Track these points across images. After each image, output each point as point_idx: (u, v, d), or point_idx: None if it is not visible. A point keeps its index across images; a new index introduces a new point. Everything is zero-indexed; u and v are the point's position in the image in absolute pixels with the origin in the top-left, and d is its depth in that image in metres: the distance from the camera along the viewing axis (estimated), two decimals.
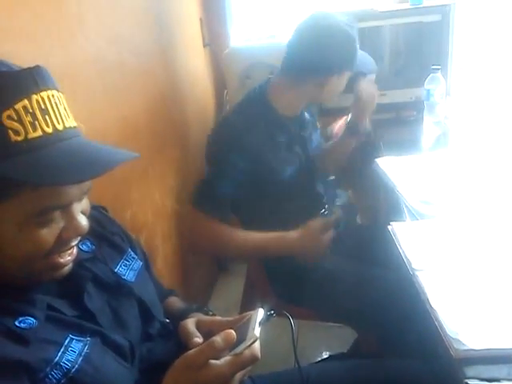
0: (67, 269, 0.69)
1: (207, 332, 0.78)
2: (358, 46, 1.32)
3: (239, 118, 1.36)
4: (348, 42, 1.30)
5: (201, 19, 2.40)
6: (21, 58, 0.66)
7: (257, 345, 0.66)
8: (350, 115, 1.51)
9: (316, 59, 1.29)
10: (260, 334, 0.68)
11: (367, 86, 1.42)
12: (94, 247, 0.80)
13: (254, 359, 0.65)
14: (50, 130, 0.60)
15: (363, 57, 1.40)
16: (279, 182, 1.36)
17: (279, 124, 1.37)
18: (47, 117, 0.60)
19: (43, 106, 0.60)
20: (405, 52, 2.00)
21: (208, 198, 1.31)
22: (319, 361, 1.58)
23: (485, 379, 0.68)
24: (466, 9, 2.02)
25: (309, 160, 1.47)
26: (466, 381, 0.68)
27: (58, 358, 0.63)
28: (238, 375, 0.65)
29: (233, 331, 0.66)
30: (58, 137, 0.61)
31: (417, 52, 1.97)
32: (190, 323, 0.83)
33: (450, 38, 1.89)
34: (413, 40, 1.97)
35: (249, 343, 0.65)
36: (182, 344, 0.79)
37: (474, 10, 2.02)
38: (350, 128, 1.50)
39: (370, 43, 1.97)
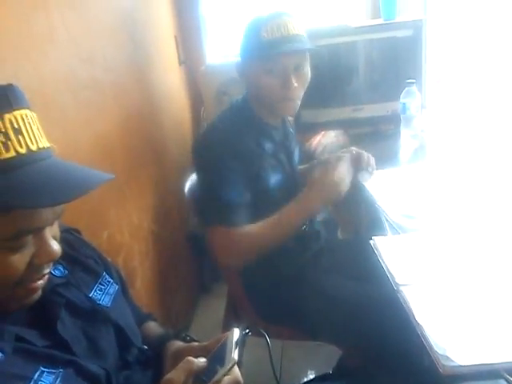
0: (37, 295, 0.66)
1: None
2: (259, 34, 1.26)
3: (227, 124, 1.33)
4: (246, 30, 1.33)
5: (175, 37, 2.39)
6: None
7: (237, 368, 0.64)
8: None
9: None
10: (238, 355, 0.65)
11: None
12: (66, 272, 0.77)
13: (236, 383, 0.63)
14: (23, 150, 0.58)
15: None
16: (266, 189, 1.33)
17: (265, 131, 1.37)
18: (20, 137, 0.58)
19: (16, 126, 0.58)
20: (380, 66, 2.02)
21: (218, 210, 1.25)
22: (305, 383, 1.55)
23: None
24: (438, 23, 2.07)
25: (293, 171, 1.46)
26: None
27: None
28: None
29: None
30: (31, 157, 0.59)
31: (391, 66, 1.99)
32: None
33: (423, 52, 1.92)
34: (387, 55, 1.99)
35: (227, 368, 0.63)
36: (160, 372, 0.76)
37: (446, 25, 2.07)
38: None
39: (346, 58, 1.99)
